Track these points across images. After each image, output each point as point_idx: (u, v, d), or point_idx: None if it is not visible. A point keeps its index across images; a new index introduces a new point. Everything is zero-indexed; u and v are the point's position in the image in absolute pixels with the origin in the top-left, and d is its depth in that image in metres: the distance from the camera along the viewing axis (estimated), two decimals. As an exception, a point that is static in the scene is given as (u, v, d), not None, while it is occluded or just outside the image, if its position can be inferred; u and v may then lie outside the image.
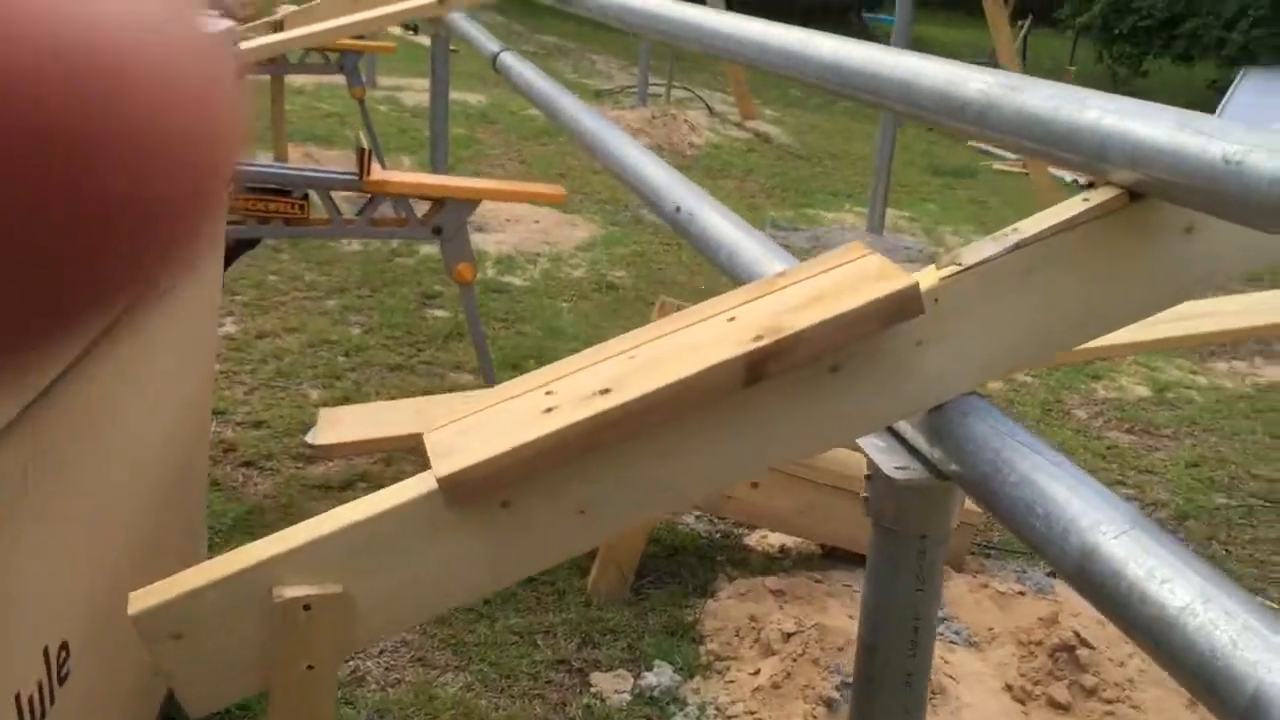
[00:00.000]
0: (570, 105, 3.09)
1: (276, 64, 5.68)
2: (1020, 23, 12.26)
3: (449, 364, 4.19)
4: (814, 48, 1.98)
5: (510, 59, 3.81)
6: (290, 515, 3.08)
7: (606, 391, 1.22)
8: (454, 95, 6.31)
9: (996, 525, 3.05)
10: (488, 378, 3.32)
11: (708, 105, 10.69)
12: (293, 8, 5.39)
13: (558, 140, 9.05)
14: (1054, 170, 9.50)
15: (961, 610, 2.83)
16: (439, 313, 4.73)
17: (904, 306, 1.24)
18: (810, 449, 1.33)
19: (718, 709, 2.47)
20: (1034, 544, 1.08)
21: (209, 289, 2.26)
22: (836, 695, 2.40)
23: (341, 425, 2.84)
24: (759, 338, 1.22)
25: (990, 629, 2.72)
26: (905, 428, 1.39)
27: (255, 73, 5.62)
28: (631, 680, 2.59)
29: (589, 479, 1.21)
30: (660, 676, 2.59)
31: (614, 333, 1.53)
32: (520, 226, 6.14)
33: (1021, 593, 2.92)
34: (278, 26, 5.34)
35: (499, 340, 4.49)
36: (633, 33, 3.05)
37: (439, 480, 1.14)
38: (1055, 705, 2.48)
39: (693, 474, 1.25)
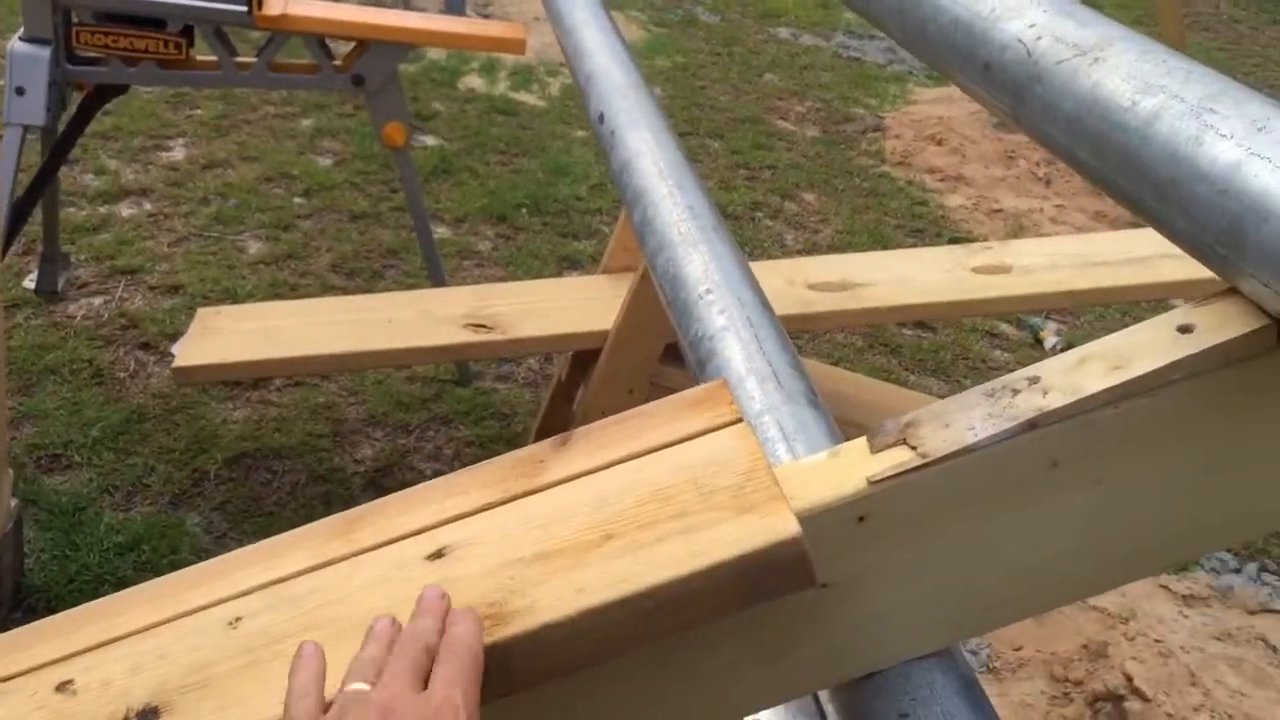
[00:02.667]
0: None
1: None
2: None
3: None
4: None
5: None
6: (177, 426, 2.55)
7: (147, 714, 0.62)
8: None
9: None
10: (434, 277, 2.67)
11: None
12: None
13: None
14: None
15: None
16: (428, 140, 4.04)
17: (770, 578, 0.61)
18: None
19: None
20: None
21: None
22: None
23: (221, 336, 2.26)
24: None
25: (1018, 650, 2.13)
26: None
27: None
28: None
29: None
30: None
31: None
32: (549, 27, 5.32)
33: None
34: None
35: (491, 179, 3.82)
36: None
37: None
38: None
39: None
